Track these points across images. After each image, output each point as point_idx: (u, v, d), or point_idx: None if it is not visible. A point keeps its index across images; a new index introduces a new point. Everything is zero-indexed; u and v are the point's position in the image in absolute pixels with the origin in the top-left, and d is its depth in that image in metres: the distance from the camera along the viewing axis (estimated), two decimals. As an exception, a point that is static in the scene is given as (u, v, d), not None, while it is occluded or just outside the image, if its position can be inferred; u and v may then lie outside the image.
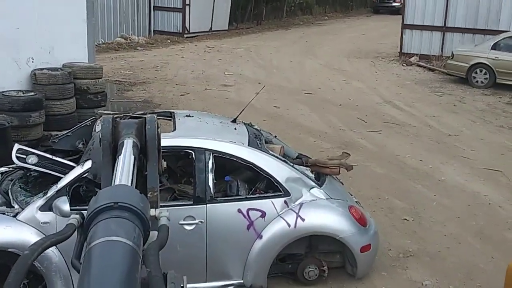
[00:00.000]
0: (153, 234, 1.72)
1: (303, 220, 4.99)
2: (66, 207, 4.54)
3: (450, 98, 12.99)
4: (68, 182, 4.72)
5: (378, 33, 24.35)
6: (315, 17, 30.31)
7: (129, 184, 1.90)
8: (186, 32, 21.27)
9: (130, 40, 19.66)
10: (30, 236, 4.62)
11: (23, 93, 8.50)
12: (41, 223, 4.69)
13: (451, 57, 14.48)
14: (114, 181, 1.94)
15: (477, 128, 10.59)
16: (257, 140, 5.38)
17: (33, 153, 5.06)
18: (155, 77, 14.29)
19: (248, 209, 4.96)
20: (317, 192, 5.20)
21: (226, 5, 23.03)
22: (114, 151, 2.16)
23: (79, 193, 4.90)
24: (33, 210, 4.74)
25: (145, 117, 2.26)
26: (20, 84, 8.84)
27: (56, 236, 1.69)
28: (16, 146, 5.15)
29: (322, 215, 5.15)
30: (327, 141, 9.53)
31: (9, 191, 5.13)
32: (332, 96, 12.81)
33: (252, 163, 5.04)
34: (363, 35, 23.58)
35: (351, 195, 5.92)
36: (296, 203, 5.06)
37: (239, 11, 25.06)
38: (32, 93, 8.53)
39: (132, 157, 2.07)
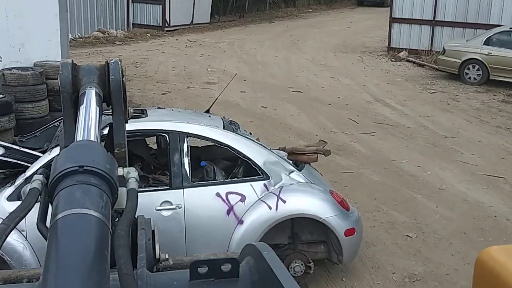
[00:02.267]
0: (122, 192, 1.55)
1: (284, 202, 4.84)
2: None
3: (442, 95, 12.51)
4: (37, 170, 4.25)
5: (364, 26, 23.86)
6: (299, 9, 29.73)
7: (94, 138, 1.73)
8: (166, 25, 20.55)
9: (107, 34, 18.90)
10: None
11: (-10, 96, 7.82)
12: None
13: (442, 53, 14.01)
14: (77, 136, 1.75)
15: (474, 129, 10.12)
16: (232, 126, 5.33)
17: (0, 145, 4.92)
18: (135, 74, 13.61)
19: (227, 193, 4.81)
20: (297, 176, 5.07)
21: (208, -3, 22.34)
22: (75, 102, 1.96)
23: None
24: (0, 200, 4.50)
25: (107, 64, 2.04)
26: (-13, 86, 8.16)
27: (18, 212, 1.44)
28: None
29: (304, 197, 5.01)
30: (319, 144, 8.97)
31: None
32: (320, 94, 12.26)
33: (228, 145, 4.92)
34: (349, 28, 23.07)
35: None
36: (276, 186, 4.91)
37: (221, 3, 24.38)
38: (1, 96, 7.85)
39: (97, 108, 1.89)
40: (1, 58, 8.37)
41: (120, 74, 2.04)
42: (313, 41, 19.59)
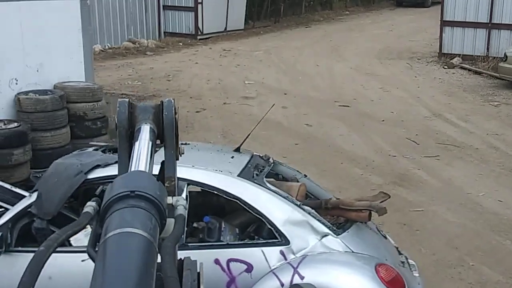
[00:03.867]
0: (170, 222, 1.63)
1: (302, 278, 3.64)
2: None
3: (509, 109, 11.15)
4: (11, 217, 3.92)
5: (407, 28, 22.45)
6: (336, 12, 28.42)
7: (147, 169, 1.82)
8: (199, 33, 19.55)
9: (138, 44, 17.99)
10: None
11: (4, 124, 6.90)
12: None
13: (504, 59, 12.62)
14: (131, 167, 1.84)
15: (554, 149, 8.78)
16: (255, 171, 4.21)
17: None
18: (167, 88, 12.61)
19: (229, 260, 3.79)
20: (332, 241, 3.82)
21: (242, 2, 21.25)
22: (130, 138, 2.06)
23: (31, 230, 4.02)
24: None
25: (162, 102, 2.11)
26: (1, 112, 7.25)
27: (72, 228, 1.57)
28: None
29: (331, 273, 3.73)
30: (377, 173, 7.78)
31: None
32: (371, 109, 11.04)
33: (238, 198, 3.88)
34: (391, 32, 21.70)
35: (400, 253, 4.33)
36: (298, 254, 3.77)
37: (256, 8, 23.29)
38: (15, 124, 6.91)
39: (150, 142, 1.98)
40: (17, 80, 7.43)
41: (173, 112, 2.14)
42: (354, 46, 18.34)
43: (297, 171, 4.90)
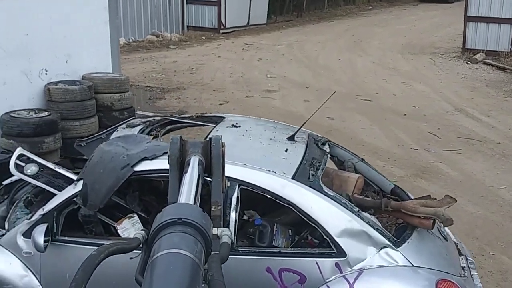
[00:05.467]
0: (215, 253, 1.72)
1: None
2: (40, 239, 3.62)
3: (532, 104, 11.12)
4: (55, 206, 3.87)
5: (430, 24, 22.34)
6: (359, 7, 28.35)
7: (193, 202, 1.95)
8: (222, 27, 19.69)
9: (162, 37, 18.18)
10: (9, 268, 3.92)
11: (35, 113, 7.09)
12: (23, 252, 3.91)
13: (528, 55, 12.55)
14: (180, 198, 1.98)
15: None
16: (311, 170, 3.90)
17: (35, 162, 4.33)
18: (190, 81, 12.78)
19: (282, 270, 3.60)
20: (391, 254, 3.58)
21: (264, -3, 21.35)
22: (181, 168, 2.27)
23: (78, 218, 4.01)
24: (15, 234, 3.97)
25: (210, 138, 2.37)
26: (31, 102, 7.44)
27: (123, 244, 1.71)
28: (19, 151, 4.40)
29: None
30: (399, 165, 7.85)
31: (15, 204, 4.41)
32: (393, 103, 11.08)
33: (293, 204, 3.64)
34: (414, 27, 21.60)
35: (461, 254, 4.11)
36: (355, 267, 3.54)
37: (278, 2, 23.35)
38: (46, 113, 7.10)
39: (197, 174, 2.15)
40: (46, 71, 7.62)
41: (220, 145, 2.30)
42: (377, 41, 18.32)
43: (354, 154, 4.80)
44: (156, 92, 11.88)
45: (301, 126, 4.45)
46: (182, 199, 1.97)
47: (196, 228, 1.65)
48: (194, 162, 2.23)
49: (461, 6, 17.47)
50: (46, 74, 7.63)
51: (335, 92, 5.48)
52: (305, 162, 3.99)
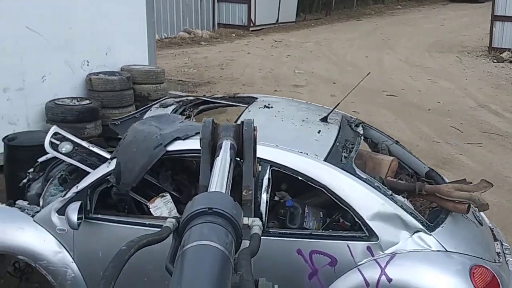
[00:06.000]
0: (245, 244, 1.70)
1: (389, 280, 3.41)
2: (73, 216, 3.62)
3: (556, 101, 11.29)
4: (89, 184, 3.89)
5: (459, 23, 22.43)
6: (388, 6, 28.50)
7: (224, 190, 1.92)
8: (251, 25, 20.12)
9: (193, 34, 18.70)
10: (43, 244, 3.97)
11: (78, 101, 7.61)
12: (57, 229, 3.95)
13: (554, 53, 12.70)
14: (210, 186, 1.96)
15: None
16: (344, 152, 3.87)
17: (70, 140, 4.34)
18: (221, 76, 13.24)
19: (312, 252, 3.57)
20: (424, 239, 3.52)
21: (294, -5, 21.72)
22: (213, 152, 2.24)
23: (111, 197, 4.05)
24: (50, 211, 3.99)
25: (242, 121, 2.32)
26: (74, 91, 7.96)
27: (153, 236, 1.68)
28: (53, 129, 4.42)
29: (422, 276, 3.47)
30: (421, 156, 8.02)
31: (49, 181, 4.45)
32: (418, 99, 11.37)
33: (324, 187, 3.60)
34: (443, 26, 21.73)
35: (496, 240, 4.06)
36: (387, 251, 3.49)
37: (307, 1, 23.68)
38: (87, 101, 7.62)
39: (229, 159, 2.13)
40: (88, 62, 8.14)
41: (252, 129, 2.27)
42: (405, 40, 18.54)
43: (388, 136, 4.78)
44: (188, 86, 12.35)
45: (335, 107, 4.42)
46: (213, 186, 1.94)
47: (226, 218, 1.62)
48: (226, 146, 2.21)
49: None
50: (87, 65, 8.15)
51: (369, 73, 5.79)
52: (338, 144, 3.94)
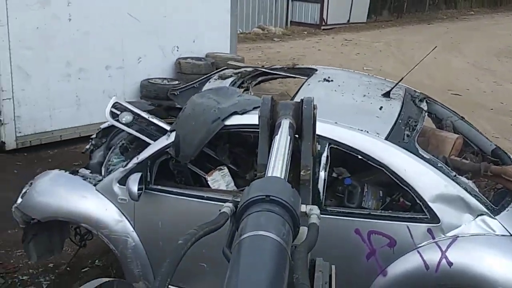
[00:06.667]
0: (303, 230, 1.66)
1: (450, 264, 3.29)
2: (134, 187, 3.70)
3: None
4: (149, 155, 3.92)
5: (532, 30, 22.31)
6: (460, 11, 28.50)
7: (282, 174, 1.87)
8: (323, 24, 20.84)
9: (267, 30, 19.60)
10: (105, 213, 4.02)
11: (168, 81, 8.59)
12: (119, 198, 4.01)
13: None
14: (268, 168, 1.92)
15: None
16: (406, 131, 3.73)
17: (130, 110, 4.37)
18: (292, 69, 14.02)
19: (371, 232, 3.49)
20: (488, 222, 3.38)
21: (366, -3, 22.27)
22: (271, 130, 2.19)
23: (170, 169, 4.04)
24: (111, 181, 4.04)
25: (302, 99, 2.24)
26: (164, 72, 8.95)
27: (209, 225, 1.64)
28: (114, 99, 4.48)
29: (484, 261, 3.32)
30: (479, 149, 8.69)
31: (111, 150, 4.54)
32: (482, 99, 11.79)
33: (385, 166, 3.49)
34: (514, 33, 21.71)
35: None
36: (448, 234, 3.38)
37: (379, 2, 24.14)
38: (176, 82, 8.56)
39: (288, 138, 2.08)
40: (178, 48, 9.11)
41: (312, 107, 2.19)
42: (475, 44, 18.77)
43: (454, 112, 4.61)
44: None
45: (398, 82, 4.32)
46: (271, 169, 1.90)
47: (284, 207, 1.58)
48: (284, 125, 2.15)
49: None
50: (177, 50, 9.13)
51: (436, 47, 5.69)
52: (400, 121, 3.80)
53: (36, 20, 7.30)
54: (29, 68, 7.36)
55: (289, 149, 2.03)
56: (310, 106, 2.21)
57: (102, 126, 5.00)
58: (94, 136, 4.94)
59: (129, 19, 8.32)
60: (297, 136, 2.22)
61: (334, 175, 3.86)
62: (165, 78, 8.67)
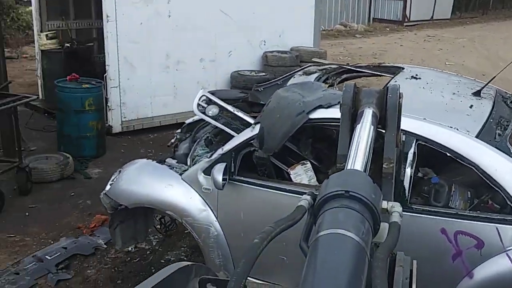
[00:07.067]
0: (383, 227, 1.59)
1: None
2: (219, 177, 3.74)
3: None
4: (234, 147, 3.96)
5: None
6: (550, 6, 27.59)
7: (363, 166, 1.80)
8: (406, 20, 20.94)
9: (349, 27, 19.97)
10: (189, 202, 4.10)
11: (255, 73, 9.23)
12: (203, 188, 4.07)
13: None
14: (348, 160, 1.85)
15: None
16: (498, 129, 3.63)
17: (216, 104, 4.43)
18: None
19: (457, 232, 3.39)
20: None
21: (450, -7, 22.14)
22: (353, 119, 2.10)
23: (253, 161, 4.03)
24: (196, 171, 4.10)
25: (387, 87, 2.13)
26: (252, 65, 9.60)
27: (286, 222, 1.56)
28: (201, 92, 4.55)
29: None
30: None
31: (196, 142, 4.64)
32: None
33: (475, 165, 3.38)
34: None
35: None
36: None
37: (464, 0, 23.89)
38: (263, 73, 9.21)
39: (370, 128, 1.99)
40: (265, 42, 9.75)
41: (398, 96, 2.08)
42: None
43: None
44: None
45: (489, 81, 4.22)
46: (351, 162, 1.82)
47: (364, 203, 1.51)
48: (367, 114, 2.05)
49: None
50: (264, 44, 9.76)
51: None
52: (491, 120, 3.68)
53: (140, 16, 8.14)
54: (134, 60, 8.20)
55: (371, 140, 1.94)
56: (395, 94, 2.08)
57: (187, 121, 5.20)
58: (179, 130, 5.09)
59: (221, 15, 9.02)
60: (380, 126, 2.13)
61: (420, 175, 3.79)
62: (253, 70, 9.33)
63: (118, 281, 4.81)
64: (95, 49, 10.01)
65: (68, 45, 9.39)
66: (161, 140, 8.31)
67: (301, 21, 10.23)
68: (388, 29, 20.30)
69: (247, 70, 9.29)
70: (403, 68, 4.76)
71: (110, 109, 8.10)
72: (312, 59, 8.85)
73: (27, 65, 12.26)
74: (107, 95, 7.92)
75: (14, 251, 5.11)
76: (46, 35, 9.16)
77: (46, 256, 4.97)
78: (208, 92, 6.81)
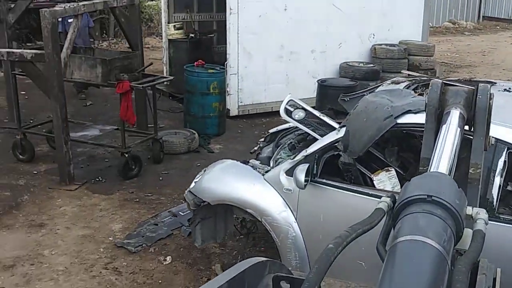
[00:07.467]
0: (467, 233, 1.50)
1: None
2: (301, 176, 3.78)
3: None
4: (318, 149, 3.99)
5: None
6: None
7: (447, 170, 1.73)
8: (518, 18, 20.43)
9: (457, 25, 19.80)
10: (270, 202, 4.14)
11: (364, 65, 9.70)
12: (284, 188, 4.11)
13: None
14: (432, 163, 1.79)
15: None
16: None
17: (302, 108, 4.51)
18: (481, 61, 14.33)
19: None
20: None
21: None
22: (439, 120, 2.02)
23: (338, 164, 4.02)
24: (279, 172, 4.16)
25: (476, 86, 2.05)
26: (360, 57, 10.07)
27: (362, 226, 1.49)
28: (288, 97, 4.65)
29: None
30: None
31: (280, 147, 4.75)
32: None
33: None
34: None
35: None
36: None
37: None
38: (371, 65, 9.66)
39: (456, 130, 1.90)
40: (374, 35, 10.18)
41: (488, 97, 1.97)
42: None
43: None
44: (450, 67, 13.75)
45: None
46: (435, 165, 1.74)
47: (447, 209, 1.43)
48: (454, 116, 1.95)
49: None
50: (373, 37, 10.20)
51: None
52: None
53: (259, 9, 8.87)
54: (252, 49, 8.94)
55: (457, 143, 1.85)
56: (485, 95, 1.98)
57: (270, 130, 5.38)
58: (262, 139, 5.26)
59: (333, 9, 9.57)
60: (467, 128, 2.03)
61: (510, 188, 3.69)
62: (361, 62, 9.80)
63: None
64: (214, 40, 10.89)
65: (192, 35, 10.32)
66: (273, 124, 8.93)
67: (410, 16, 10.56)
68: (498, 27, 19.92)
69: (356, 62, 9.77)
70: (495, 83, 4.71)
71: (228, 94, 8.87)
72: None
73: (149, 55, 13.40)
74: (226, 81, 8.71)
75: (152, 207, 5.95)
76: (174, 26, 10.14)
77: (180, 212, 5.76)
78: (320, 79, 7.10)
